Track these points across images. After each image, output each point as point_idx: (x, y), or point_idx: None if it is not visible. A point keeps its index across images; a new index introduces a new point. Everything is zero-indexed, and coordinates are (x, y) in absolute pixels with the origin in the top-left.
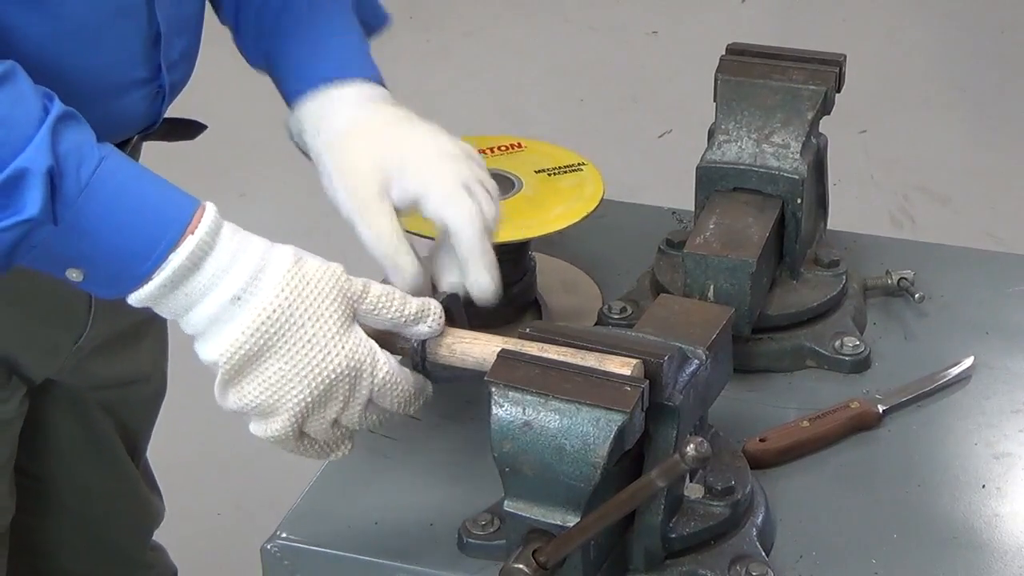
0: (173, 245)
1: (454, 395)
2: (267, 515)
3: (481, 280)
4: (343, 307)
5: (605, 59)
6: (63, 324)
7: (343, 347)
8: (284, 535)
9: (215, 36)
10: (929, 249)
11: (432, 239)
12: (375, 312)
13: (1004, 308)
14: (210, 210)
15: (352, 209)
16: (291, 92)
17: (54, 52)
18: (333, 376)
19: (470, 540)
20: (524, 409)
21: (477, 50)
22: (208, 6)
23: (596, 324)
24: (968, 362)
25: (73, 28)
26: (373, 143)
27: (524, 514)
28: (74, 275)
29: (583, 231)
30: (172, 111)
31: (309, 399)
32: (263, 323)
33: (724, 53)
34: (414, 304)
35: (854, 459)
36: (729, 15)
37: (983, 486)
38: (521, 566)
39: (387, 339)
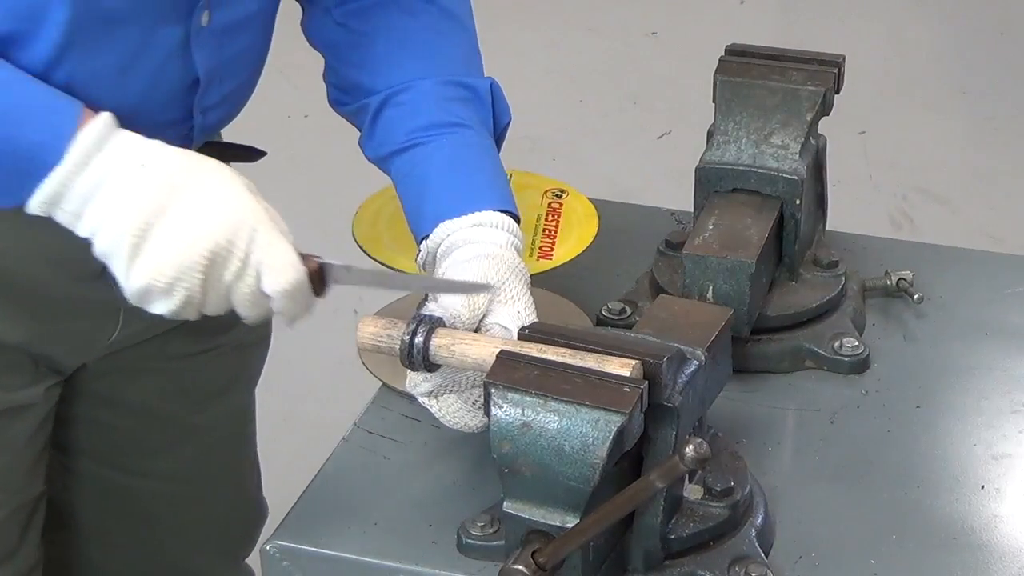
0: (75, 130)
1: None
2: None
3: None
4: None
5: (605, 60)
6: (92, 322)
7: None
8: (284, 536)
9: None
10: (928, 250)
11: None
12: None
13: (1003, 309)
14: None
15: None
16: (429, 221)
17: (89, 88)
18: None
19: (469, 541)
20: (523, 410)
21: None
22: (275, 36)
23: (595, 325)
24: None
25: (108, 71)
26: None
27: (523, 515)
28: None
29: None
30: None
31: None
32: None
33: (723, 54)
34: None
35: (854, 460)
36: (728, 16)
37: (982, 487)
38: (520, 567)
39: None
